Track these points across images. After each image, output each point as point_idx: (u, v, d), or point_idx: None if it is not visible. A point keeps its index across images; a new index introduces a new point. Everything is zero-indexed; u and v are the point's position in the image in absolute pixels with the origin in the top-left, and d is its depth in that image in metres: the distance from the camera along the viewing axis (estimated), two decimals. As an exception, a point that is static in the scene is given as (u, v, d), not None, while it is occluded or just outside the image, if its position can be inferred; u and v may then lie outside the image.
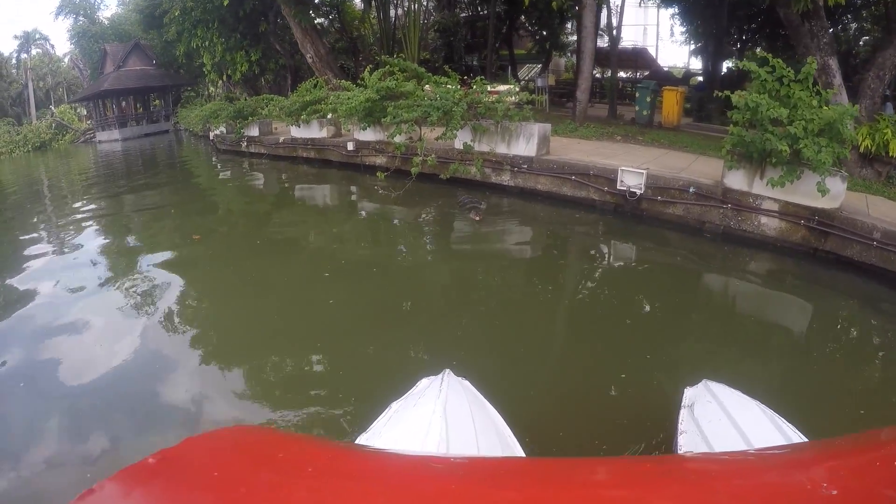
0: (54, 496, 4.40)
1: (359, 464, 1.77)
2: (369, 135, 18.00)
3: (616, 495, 1.44)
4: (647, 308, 8.25)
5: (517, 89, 14.50)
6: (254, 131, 24.23)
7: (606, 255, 11.14)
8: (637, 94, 22.68)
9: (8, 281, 9.83)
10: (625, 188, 12.05)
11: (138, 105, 49.45)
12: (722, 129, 20.38)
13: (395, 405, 3.58)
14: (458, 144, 14.73)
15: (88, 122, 51.57)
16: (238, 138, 24.80)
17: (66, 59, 62.74)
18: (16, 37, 63.60)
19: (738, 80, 29.73)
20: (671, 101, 21.26)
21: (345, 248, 11.46)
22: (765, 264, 10.21)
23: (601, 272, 10.21)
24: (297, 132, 21.37)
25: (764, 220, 10.37)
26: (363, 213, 14.95)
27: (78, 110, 54.31)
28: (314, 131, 20.66)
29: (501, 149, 14.60)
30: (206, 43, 33.07)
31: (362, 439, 3.15)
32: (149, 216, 15.60)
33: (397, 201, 14.15)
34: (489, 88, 14.64)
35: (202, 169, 26.01)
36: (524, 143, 14.17)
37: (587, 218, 12.84)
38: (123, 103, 48.20)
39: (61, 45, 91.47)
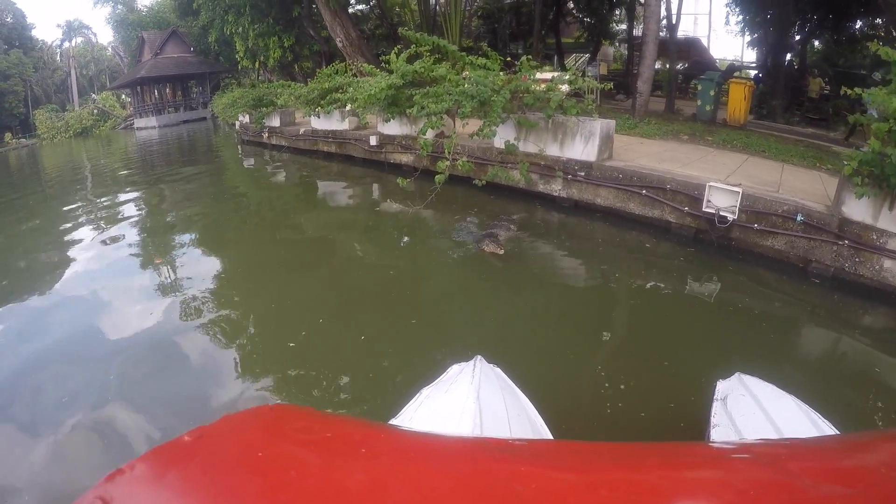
0: (78, 477, 4.27)
1: (409, 444, 1.62)
2: (394, 128, 14.70)
3: (647, 478, 1.32)
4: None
5: (572, 76, 10.99)
6: (275, 121, 21.28)
7: (686, 303, 7.92)
8: (699, 88, 19.58)
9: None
10: (713, 210, 8.85)
11: (177, 92, 47.08)
12: (788, 129, 18.80)
13: (425, 391, 3.44)
14: (499, 143, 11.49)
15: (130, 108, 50.02)
16: (259, 128, 21.90)
17: (109, 48, 61.58)
18: (58, 26, 64.38)
19: (799, 74, 26.70)
20: (738, 96, 18.25)
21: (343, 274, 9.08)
22: (881, 321, 7.44)
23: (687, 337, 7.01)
24: (317, 123, 18.23)
25: (888, 264, 7.43)
26: (371, 224, 11.54)
27: (122, 98, 52.59)
28: (335, 123, 17.49)
29: (552, 150, 11.21)
30: (240, 29, 30.61)
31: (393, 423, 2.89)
32: (150, 215, 13.45)
33: (415, 218, 10.82)
34: (538, 75, 11.14)
35: (221, 162, 23.43)
36: (582, 145, 10.73)
37: (660, 248, 9.55)
38: (164, 90, 46.22)
39: (105, 33, 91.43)
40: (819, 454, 1.52)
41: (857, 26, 28.08)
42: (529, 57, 11.03)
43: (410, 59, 12.59)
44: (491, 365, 3.83)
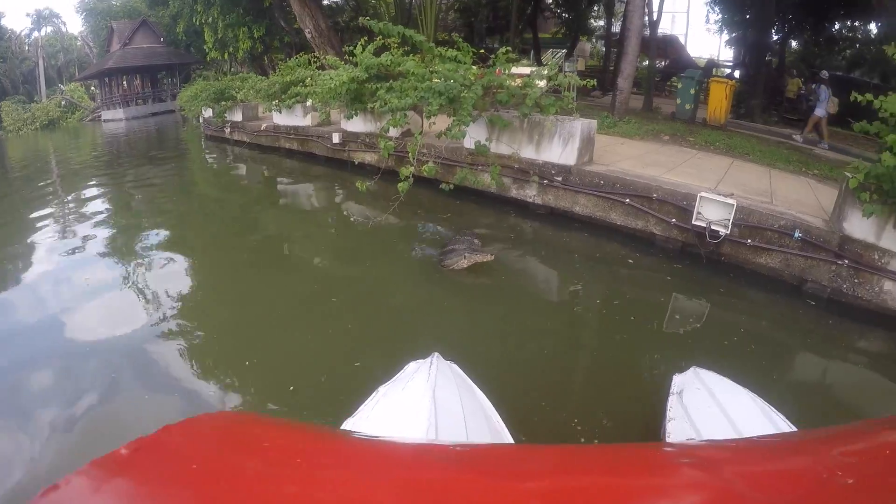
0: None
1: (349, 451, 1.56)
2: (358, 125, 13.45)
3: (604, 483, 1.30)
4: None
5: (551, 71, 9.83)
6: (237, 116, 19.83)
7: (670, 323, 7.00)
8: (679, 86, 18.96)
9: None
10: (703, 224, 7.92)
11: (146, 84, 45.25)
12: (766, 130, 18.27)
13: (382, 389, 3.36)
14: (469, 143, 10.28)
15: (98, 100, 48.15)
16: (221, 123, 20.47)
17: (79, 38, 59.40)
18: (28, 15, 62.21)
19: (777, 74, 26.12)
20: (719, 96, 17.44)
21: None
22: (878, 345, 6.84)
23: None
24: (279, 119, 16.84)
25: (888, 286, 6.75)
26: (328, 232, 10.40)
27: (91, 89, 50.68)
28: (298, 118, 16.17)
29: (527, 152, 10.06)
30: (209, 19, 29.33)
31: (349, 423, 2.98)
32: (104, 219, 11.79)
33: (375, 226, 9.52)
34: (514, 70, 10.00)
35: (184, 160, 21.87)
36: (560, 147, 9.60)
37: (644, 262, 8.51)
38: (132, 81, 44.34)
39: (75, 23, 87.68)
40: (760, 456, 1.51)
41: (836, 28, 27.80)
42: (507, 49, 9.84)
43: (378, 52, 11.33)
44: (448, 362, 3.74)
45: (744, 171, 10.69)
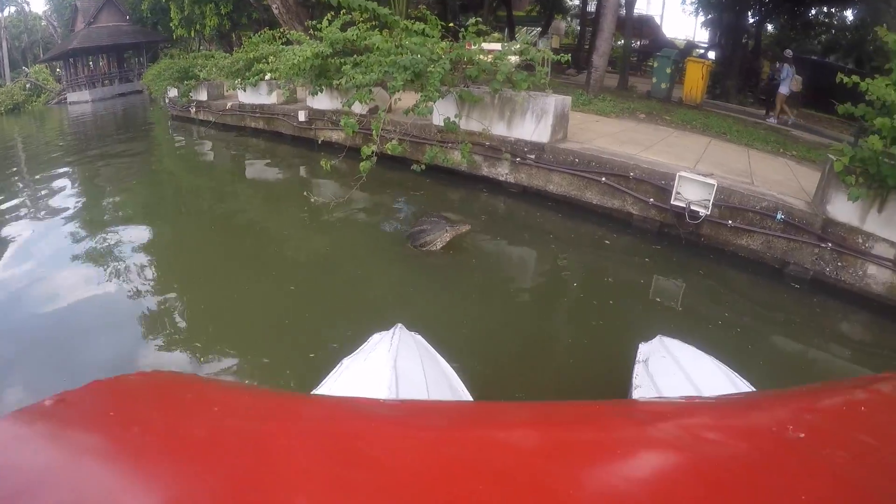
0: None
1: (274, 405, 1.48)
2: (324, 102, 12.86)
3: (568, 435, 1.25)
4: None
5: (524, 45, 9.29)
6: (202, 95, 19.04)
7: (646, 307, 6.60)
8: (655, 65, 18.65)
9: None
10: (682, 204, 7.59)
11: (112, 64, 43.88)
12: (741, 110, 18.49)
13: (346, 361, 3.24)
14: (438, 120, 9.84)
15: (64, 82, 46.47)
16: (187, 103, 19.61)
17: (43, 18, 57.01)
18: None
19: (753, 57, 26.00)
20: (696, 76, 17.40)
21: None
22: (859, 330, 6.70)
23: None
24: (244, 97, 16.13)
25: (872, 270, 6.62)
26: (290, 211, 9.62)
27: (57, 71, 49.15)
28: (263, 96, 15.51)
29: (499, 129, 9.58)
30: None
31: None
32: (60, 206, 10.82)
33: (338, 207, 8.79)
34: (484, 45, 9.48)
35: (150, 141, 20.84)
36: (532, 124, 9.13)
37: (620, 243, 8.15)
38: (98, 62, 42.97)
39: (38, 2, 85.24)
40: (719, 411, 1.49)
41: (812, 13, 27.78)
42: (477, 20, 9.25)
43: (345, 28, 10.74)
44: (412, 333, 3.68)
45: (722, 151, 10.45)
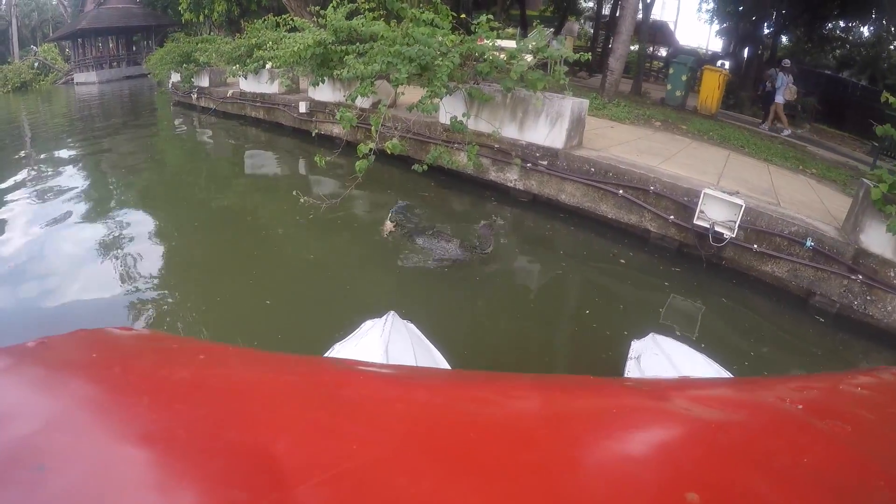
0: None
1: (258, 358, 1.53)
2: (326, 94, 12.06)
3: (560, 400, 1.24)
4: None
5: (540, 42, 8.44)
6: (204, 81, 18.21)
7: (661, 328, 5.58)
8: (671, 71, 18.06)
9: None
10: (706, 224, 6.83)
11: (121, 46, 43.03)
12: (755, 122, 17.49)
13: (337, 346, 3.18)
14: (444, 118, 9.00)
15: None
16: (188, 88, 18.79)
17: (54, -4, 56.33)
18: None
19: (767, 68, 25.33)
20: (712, 85, 16.63)
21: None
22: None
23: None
24: (246, 85, 15.32)
25: None
26: (283, 209, 8.71)
27: (66, 50, 48.43)
28: (265, 85, 14.68)
29: (510, 131, 8.76)
30: None
31: None
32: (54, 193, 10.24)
33: (333, 210, 7.65)
34: (498, 42, 8.66)
35: (154, 127, 19.99)
36: (546, 127, 8.33)
37: (637, 262, 7.37)
38: (106, 43, 42.09)
39: None
40: (713, 386, 1.55)
41: (828, 27, 27.23)
42: (490, 16, 8.34)
43: (351, 16, 9.94)
44: (404, 321, 3.61)
45: (742, 166, 9.75)
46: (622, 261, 7.24)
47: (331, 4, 10.28)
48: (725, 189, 7.03)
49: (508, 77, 7.70)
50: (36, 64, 43.37)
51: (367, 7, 10.01)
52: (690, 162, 9.01)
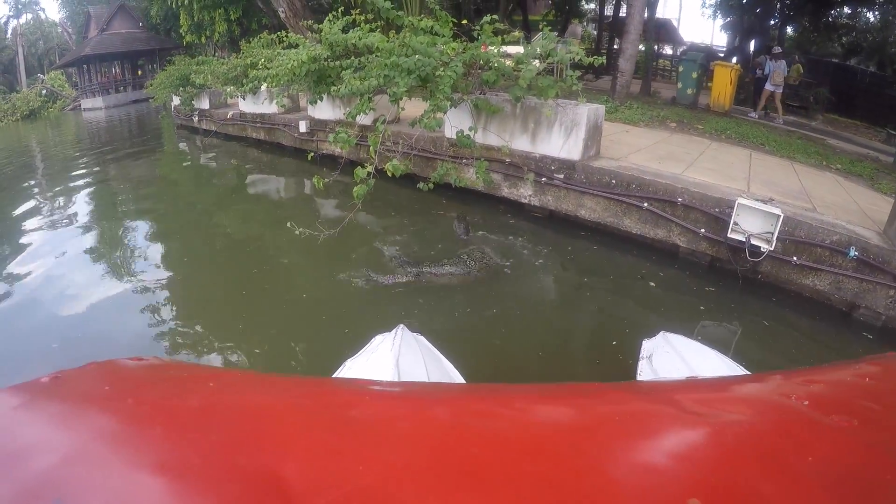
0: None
1: (268, 383, 1.49)
2: (326, 111, 11.39)
3: (578, 408, 1.23)
4: None
5: (550, 46, 7.61)
6: (204, 103, 17.60)
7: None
8: (680, 69, 17.18)
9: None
10: (742, 237, 6.09)
11: (126, 71, 42.80)
12: (769, 117, 16.38)
13: (348, 363, 3.10)
14: (450, 132, 8.29)
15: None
16: (189, 111, 18.19)
17: (59, 24, 55.97)
18: (6, 2, 57.05)
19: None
20: (724, 81, 15.74)
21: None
22: None
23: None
24: (245, 106, 14.69)
25: None
26: (279, 241, 8.03)
27: (73, 77, 48.31)
28: (264, 105, 14.00)
29: (521, 144, 8.02)
30: (187, 1, 26.20)
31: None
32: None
33: (330, 241, 6.81)
34: (504, 48, 7.91)
35: (158, 151, 19.48)
36: (561, 138, 7.59)
37: (667, 281, 6.61)
38: (111, 69, 41.82)
39: (53, 8, 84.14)
40: (723, 385, 1.55)
41: (834, 14, 26.50)
42: (494, 17, 7.59)
43: (347, 29, 9.21)
44: (414, 333, 3.44)
45: (767, 166, 9.02)
46: (651, 283, 6.48)
47: (326, 18, 9.63)
48: (759, 197, 6.34)
49: (517, 85, 6.96)
50: (44, 91, 43.53)
51: (363, 19, 9.33)
52: (715, 166, 8.25)
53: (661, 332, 3.70)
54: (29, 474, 0.84)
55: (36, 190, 13.12)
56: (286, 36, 11.29)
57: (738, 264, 6.27)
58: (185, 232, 8.99)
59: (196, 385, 1.33)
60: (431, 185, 7.26)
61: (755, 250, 6.01)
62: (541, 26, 7.74)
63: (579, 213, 7.59)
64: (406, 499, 0.83)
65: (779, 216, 5.81)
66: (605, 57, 8.19)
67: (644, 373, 3.34)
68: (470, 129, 7.42)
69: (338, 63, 8.40)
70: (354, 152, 9.51)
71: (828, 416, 1.10)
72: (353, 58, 8.13)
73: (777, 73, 15.36)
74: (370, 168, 6.10)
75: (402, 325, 3.38)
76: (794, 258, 5.96)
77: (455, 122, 8.08)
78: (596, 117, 7.67)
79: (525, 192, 8.07)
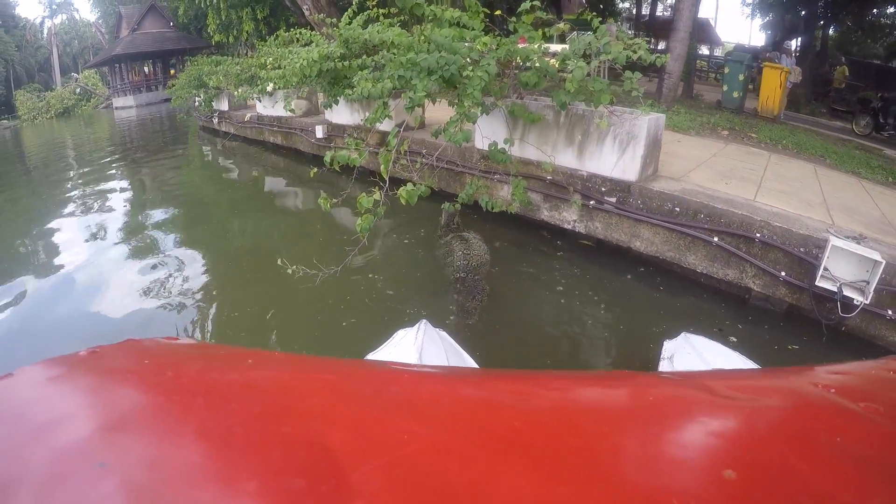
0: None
1: (305, 361, 1.48)
2: (344, 115, 10.12)
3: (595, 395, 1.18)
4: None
5: (600, 40, 6.03)
6: (224, 105, 16.52)
7: None
8: (726, 71, 15.46)
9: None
10: (832, 285, 4.75)
11: (157, 70, 42.23)
12: (814, 122, 15.73)
13: (371, 356, 3.01)
14: (481, 143, 6.93)
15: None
16: (209, 112, 17.12)
17: (92, 24, 55.92)
18: (40, 2, 57.64)
19: (819, 62, 23.07)
20: (772, 83, 14.10)
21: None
22: None
23: None
24: (262, 108, 13.51)
25: None
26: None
27: (107, 76, 48.16)
28: (278, 107, 12.70)
29: (566, 159, 6.59)
30: (215, 0, 25.69)
31: None
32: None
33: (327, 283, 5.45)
34: (546, 46, 6.45)
35: (183, 152, 18.55)
36: (615, 153, 6.16)
37: (740, 334, 5.13)
38: (145, 68, 41.36)
39: (87, 8, 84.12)
40: (742, 376, 1.54)
41: (876, 12, 24.98)
42: (535, 3, 5.92)
43: (367, 25, 7.84)
44: (437, 329, 3.34)
45: (836, 186, 7.62)
46: (733, 338, 5.02)
47: (345, 13, 8.36)
48: (850, 234, 4.99)
49: (563, 88, 5.56)
50: (78, 90, 43.93)
51: (383, 13, 8.03)
52: (785, 187, 6.81)
53: (683, 334, 3.61)
54: (72, 441, 0.82)
55: (71, 187, 12.92)
56: (300, 34, 10.04)
57: (824, 316, 4.89)
58: (204, 246, 8.14)
59: (235, 362, 1.28)
60: (458, 207, 5.93)
61: (848, 302, 4.67)
62: (589, 18, 6.22)
63: (633, 245, 6.14)
64: (450, 465, 0.82)
65: (880, 262, 4.49)
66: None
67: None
68: (505, 141, 5.93)
69: (353, 62, 7.08)
70: (374, 160, 8.21)
71: (854, 402, 1.05)
72: (364, 57, 6.80)
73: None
74: (377, 195, 4.70)
75: (424, 321, 3.27)
76: (890, 312, 4.62)
77: (487, 132, 6.72)
78: (656, 129, 6.21)
79: (569, 217, 6.64)
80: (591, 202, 6.30)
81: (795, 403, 1.10)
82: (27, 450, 0.80)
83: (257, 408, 0.96)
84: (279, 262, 4.75)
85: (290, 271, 4.72)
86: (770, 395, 1.16)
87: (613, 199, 6.12)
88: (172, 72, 42.44)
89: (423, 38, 6.03)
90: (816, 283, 4.77)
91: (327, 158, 5.26)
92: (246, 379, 1.14)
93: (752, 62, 15.26)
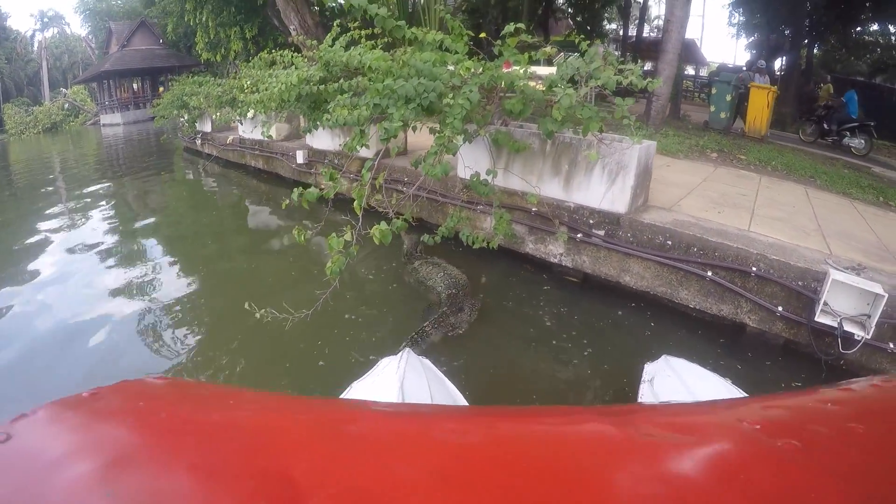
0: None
1: (285, 403, 1.56)
2: (324, 141, 9.79)
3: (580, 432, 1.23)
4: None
5: (591, 63, 5.68)
6: (206, 126, 16.09)
7: None
8: (713, 91, 15.39)
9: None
10: (832, 320, 4.50)
11: (145, 87, 41.74)
12: (801, 141, 15.67)
13: (355, 384, 3.06)
14: (463, 172, 6.58)
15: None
16: (192, 134, 16.77)
17: (83, 39, 55.64)
18: (32, 15, 59.18)
19: (804, 80, 23.03)
20: (760, 104, 14.14)
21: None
22: None
23: None
24: (244, 131, 13.17)
25: None
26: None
27: (96, 93, 47.83)
28: (260, 131, 12.32)
29: (552, 189, 6.25)
30: (203, 18, 25.73)
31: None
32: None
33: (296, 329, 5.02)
34: (533, 69, 6.10)
35: (168, 174, 17.86)
36: (603, 184, 5.83)
37: (738, 372, 4.81)
38: (133, 85, 40.91)
39: (78, 23, 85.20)
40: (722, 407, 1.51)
41: (858, 30, 25.20)
42: (520, 25, 5.59)
43: (349, 47, 7.48)
44: (419, 357, 3.31)
45: (829, 209, 7.44)
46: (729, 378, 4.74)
47: (329, 34, 8.06)
48: (849, 265, 4.76)
49: (550, 116, 5.23)
50: (66, 105, 43.79)
51: (366, 33, 7.73)
52: (778, 213, 6.58)
53: (664, 356, 3.55)
54: (83, 473, 0.91)
55: (56, 212, 12.33)
56: (282, 55, 9.73)
57: (823, 352, 4.64)
58: (185, 266, 7.97)
59: (217, 402, 1.38)
60: (438, 240, 5.57)
61: (848, 337, 4.43)
62: (577, 40, 5.91)
63: (622, 280, 5.80)
64: (399, 496, 0.88)
65: (882, 296, 4.25)
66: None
67: (645, 396, 3.20)
68: (488, 172, 5.57)
69: (332, 86, 6.74)
70: (353, 186, 7.85)
71: (775, 439, 1.08)
72: (344, 80, 6.47)
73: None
74: (349, 235, 4.33)
75: (407, 349, 3.29)
76: (892, 345, 4.41)
77: (469, 161, 6.39)
78: (647, 158, 5.88)
79: (554, 250, 6.29)
80: (579, 235, 5.96)
81: (721, 441, 1.12)
82: (50, 477, 0.89)
83: (236, 446, 1.07)
84: (247, 305, 4.37)
85: (258, 315, 4.35)
86: (700, 433, 1.17)
87: (602, 232, 5.79)
88: (161, 89, 42.21)
89: (402, 62, 5.68)
90: (816, 318, 4.52)
91: (295, 195, 4.85)
92: (227, 420, 1.22)
93: (738, 83, 15.16)
